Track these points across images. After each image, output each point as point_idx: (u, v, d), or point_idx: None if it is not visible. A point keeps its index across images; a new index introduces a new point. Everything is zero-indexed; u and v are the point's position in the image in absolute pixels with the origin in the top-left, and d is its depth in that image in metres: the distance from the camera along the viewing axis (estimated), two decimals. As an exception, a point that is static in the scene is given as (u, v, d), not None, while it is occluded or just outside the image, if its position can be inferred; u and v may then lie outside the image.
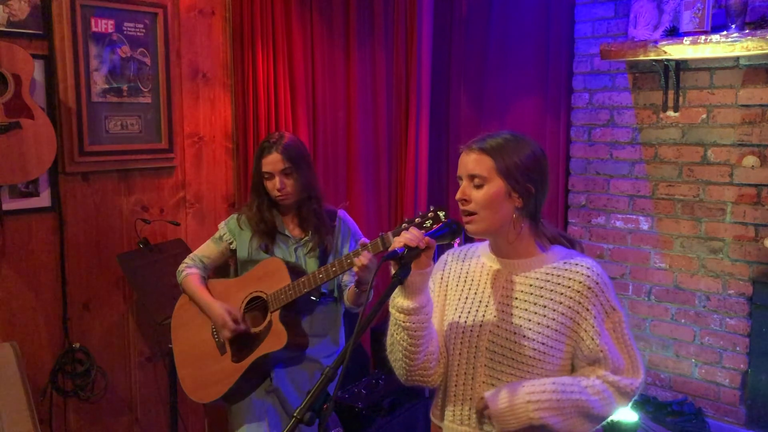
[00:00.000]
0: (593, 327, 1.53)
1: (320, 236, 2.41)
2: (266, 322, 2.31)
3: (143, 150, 3.11)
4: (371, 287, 1.71)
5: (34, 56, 2.70)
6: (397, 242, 1.49)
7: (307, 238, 2.43)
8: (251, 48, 3.28)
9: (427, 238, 1.50)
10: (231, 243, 2.49)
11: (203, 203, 3.36)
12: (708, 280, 3.16)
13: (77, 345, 2.94)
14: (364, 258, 2.10)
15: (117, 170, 3.05)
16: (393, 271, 1.48)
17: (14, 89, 2.56)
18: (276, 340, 2.27)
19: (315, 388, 1.25)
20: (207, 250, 2.52)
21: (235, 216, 2.52)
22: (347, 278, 2.40)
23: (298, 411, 1.23)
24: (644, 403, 3.16)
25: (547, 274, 1.58)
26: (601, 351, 1.54)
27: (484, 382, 1.58)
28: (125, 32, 3.02)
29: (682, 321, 3.25)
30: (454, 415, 1.62)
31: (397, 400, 3.28)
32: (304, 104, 3.46)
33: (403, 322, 1.53)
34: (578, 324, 1.54)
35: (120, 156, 3.04)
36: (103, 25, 2.95)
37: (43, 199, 2.82)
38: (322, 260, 2.40)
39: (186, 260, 2.52)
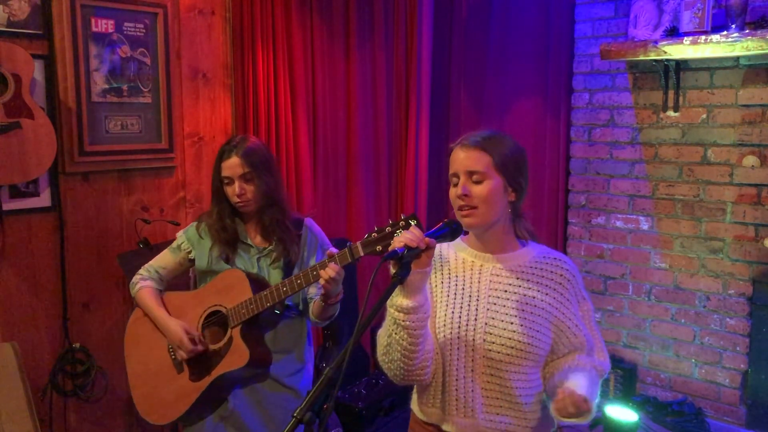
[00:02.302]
0: (575, 315, 1.66)
1: (284, 246, 2.23)
2: (226, 338, 2.16)
3: (143, 150, 3.11)
4: (369, 289, 1.57)
5: (34, 56, 2.70)
6: (398, 242, 1.49)
7: (270, 247, 2.26)
8: (251, 48, 3.28)
9: (427, 238, 1.50)
10: (189, 252, 2.31)
11: (203, 203, 3.36)
12: (708, 280, 3.16)
13: (77, 345, 2.94)
14: (331, 270, 1.96)
15: (117, 170, 3.05)
16: (393, 271, 1.49)
17: (14, 89, 2.56)
18: (237, 357, 2.13)
19: (315, 389, 1.25)
20: (163, 260, 2.35)
21: (194, 224, 2.35)
22: (313, 291, 2.21)
23: (298, 411, 1.23)
24: (644, 403, 3.16)
25: (530, 266, 1.67)
26: (584, 336, 1.66)
27: (483, 373, 1.62)
28: (125, 32, 3.02)
29: (682, 321, 3.25)
30: (457, 408, 1.65)
31: (397, 400, 3.29)
32: (304, 104, 3.46)
33: (403, 321, 1.54)
34: (563, 313, 1.65)
35: (120, 156, 3.04)
36: (103, 25, 2.95)
37: (43, 199, 2.82)
38: (287, 271, 2.23)
39: (140, 271, 2.34)
